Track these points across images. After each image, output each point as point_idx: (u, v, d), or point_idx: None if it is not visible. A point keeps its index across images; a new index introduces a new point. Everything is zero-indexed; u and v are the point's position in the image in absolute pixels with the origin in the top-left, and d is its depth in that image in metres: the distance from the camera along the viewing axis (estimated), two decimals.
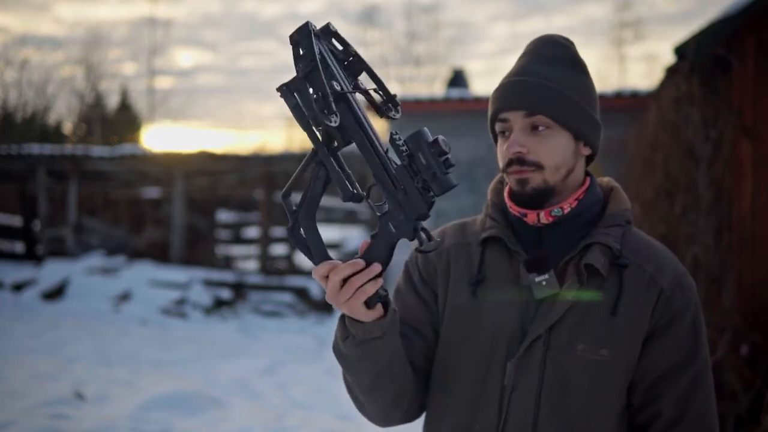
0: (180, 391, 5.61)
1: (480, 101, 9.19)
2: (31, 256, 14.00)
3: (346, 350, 1.34)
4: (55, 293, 11.03)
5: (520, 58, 1.44)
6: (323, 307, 10.70)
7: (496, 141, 1.45)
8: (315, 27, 1.19)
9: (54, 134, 26.70)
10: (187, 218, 13.29)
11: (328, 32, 1.22)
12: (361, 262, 1.21)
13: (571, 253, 1.39)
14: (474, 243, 1.49)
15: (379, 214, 1.23)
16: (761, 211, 4.47)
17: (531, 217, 1.40)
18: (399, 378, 1.39)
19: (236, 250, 15.71)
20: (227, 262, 14.61)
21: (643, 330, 1.37)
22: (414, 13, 30.43)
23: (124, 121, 29.64)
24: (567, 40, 1.45)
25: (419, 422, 1.57)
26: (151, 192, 14.85)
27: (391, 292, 1.55)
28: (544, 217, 1.39)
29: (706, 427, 1.38)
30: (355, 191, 1.19)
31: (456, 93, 9.98)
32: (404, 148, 1.20)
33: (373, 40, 28.61)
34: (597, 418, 1.36)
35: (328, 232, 14.65)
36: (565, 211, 1.40)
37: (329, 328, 9.54)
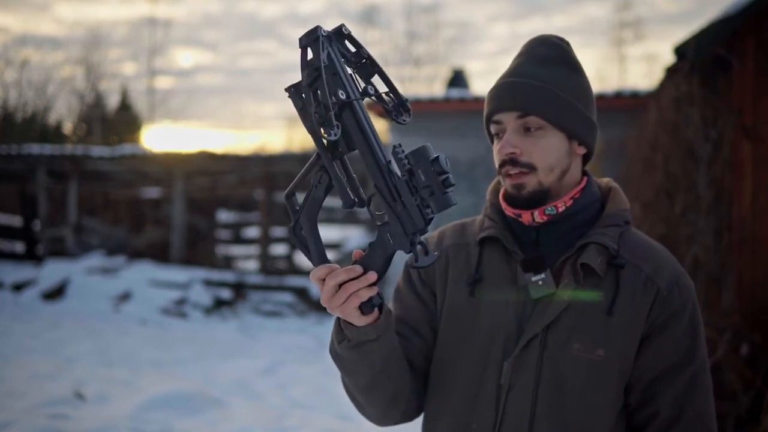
0: (180, 391, 5.62)
1: (480, 101, 9.19)
2: (31, 256, 14.00)
3: (342, 352, 1.35)
4: (55, 293, 11.03)
5: (515, 59, 1.44)
6: (323, 307, 10.69)
7: (492, 142, 1.46)
8: (325, 32, 1.17)
9: (54, 134, 26.70)
10: (187, 218, 13.30)
11: (341, 35, 1.20)
12: (359, 269, 1.21)
13: (567, 253, 1.39)
14: (472, 243, 1.50)
15: (378, 223, 1.23)
16: (761, 211, 4.47)
17: (526, 217, 1.41)
18: (396, 378, 1.40)
19: (236, 250, 15.71)
20: (227, 262, 14.61)
21: (640, 330, 1.37)
22: (414, 13, 30.48)
23: (124, 121, 29.65)
24: (561, 39, 1.45)
25: (418, 422, 1.57)
26: (151, 192, 14.85)
27: (390, 292, 1.56)
28: (538, 216, 1.40)
29: (705, 428, 1.38)
30: (356, 199, 1.19)
31: (456, 93, 9.98)
32: (405, 161, 1.18)
33: (373, 40, 28.62)
34: (594, 417, 1.36)
35: (328, 232, 14.65)
36: (559, 210, 1.40)
37: (329, 328, 9.53)
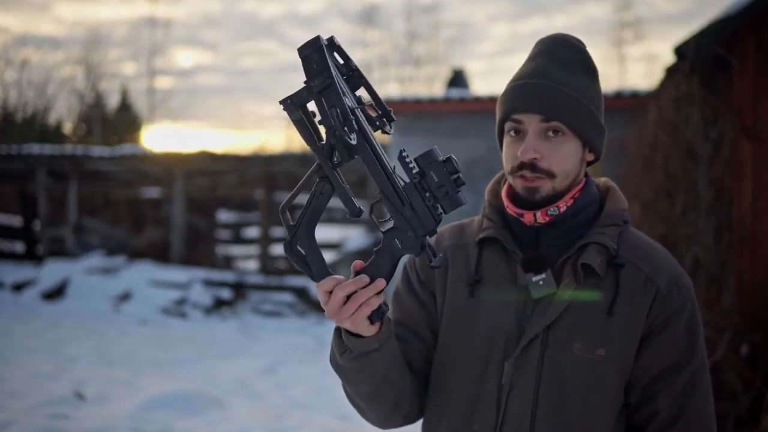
0: (180, 391, 5.62)
1: (480, 101, 9.19)
2: (31, 256, 14.00)
3: (344, 363, 1.34)
4: (55, 293, 11.03)
5: (534, 58, 1.42)
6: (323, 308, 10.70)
7: (500, 140, 1.44)
8: (325, 41, 1.18)
9: (54, 134, 26.69)
10: (187, 218, 13.30)
11: (333, 46, 1.21)
12: (366, 278, 1.21)
13: (567, 253, 1.39)
14: (471, 244, 1.49)
15: (382, 230, 1.24)
16: (761, 211, 4.47)
17: (528, 217, 1.40)
18: (398, 385, 1.40)
19: (236, 250, 15.70)
20: (227, 262, 14.60)
21: (640, 329, 1.37)
22: (414, 13, 30.47)
23: (124, 121, 29.64)
24: (580, 42, 1.44)
25: (419, 422, 1.57)
26: (151, 192, 14.85)
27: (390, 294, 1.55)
28: (540, 217, 1.39)
29: (704, 427, 1.38)
30: (361, 208, 1.19)
31: (456, 93, 9.98)
32: (413, 165, 1.21)
33: (373, 40, 28.63)
34: (594, 417, 1.36)
35: (328, 232, 14.65)
36: (561, 210, 1.40)
37: (329, 328, 9.54)
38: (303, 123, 1.18)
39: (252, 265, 14.37)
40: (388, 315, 1.34)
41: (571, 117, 1.36)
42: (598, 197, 1.47)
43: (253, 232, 15.68)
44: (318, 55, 1.14)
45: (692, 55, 4.33)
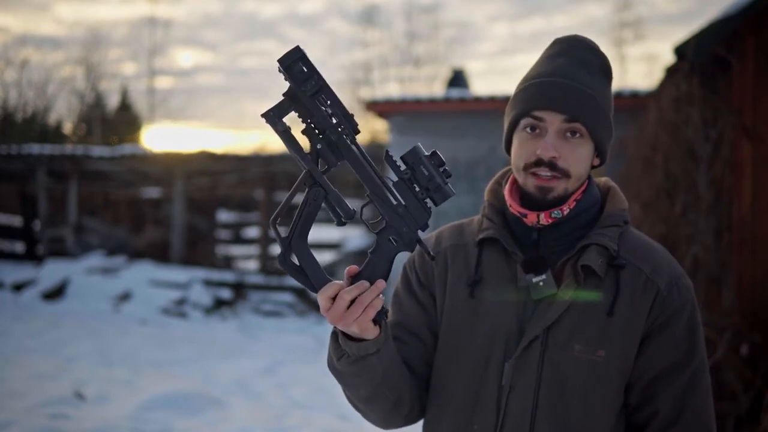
0: (180, 391, 5.62)
1: (480, 101, 9.19)
2: (31, 256, 14.00)
3: (342, 368, 1.34)
4: (55, 293, 11.03)
5: (554, 57, 1.41)
6: None
7: (510, 135, 1.43)
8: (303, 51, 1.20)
9: (54, 134, 26.69)
10: (187, 218, 13.30)
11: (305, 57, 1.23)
12: (366, 284, 1.22)
13: (568, 254, 1.39)
14: (471, 244, 1.49)
15: (375, 231, 1.25)
16: (761, 211, 4.47)
17: (531, 218, 1.40)
18: (397, 387, 1.40)
19: (236, 250, 15.70)
20: (227, 262, 14.60)
21: (640, 330, 1.37)
22: (414, 13, 30.41)
23: (124, 121, 29.64)
24: (598, 46, 1.43)
25: (419, 422, 1.57)
26: (151, 192, 14.84)
27: (390, 295, 1.55)
28: (544, 219, 1.39)
29: (704, 427, 1.38)
30: (354, 210, 1.22)
31: (456, 93, 9.98)
32: (400, 164, 1.24)
33: (373, 40, 28.60)
34: (594, 418, 1.36)
35: (327, 232, 14.65)
36: (565, 213, 1.39)
37: (329, 328, 9.53)
38: (288, 133, 1.19)
39: (252, 265, 14.37)
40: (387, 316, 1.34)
41: (592, 120, 1.36)
42: (599, 198, 1.47)
43: (253, 232, 15.68)
44: (303, 62, 1.17)
45: (692, 55, 4.33)
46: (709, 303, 4.31)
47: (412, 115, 9.48)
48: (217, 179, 13.77)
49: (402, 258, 1.33)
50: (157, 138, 34.64)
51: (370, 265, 1.24)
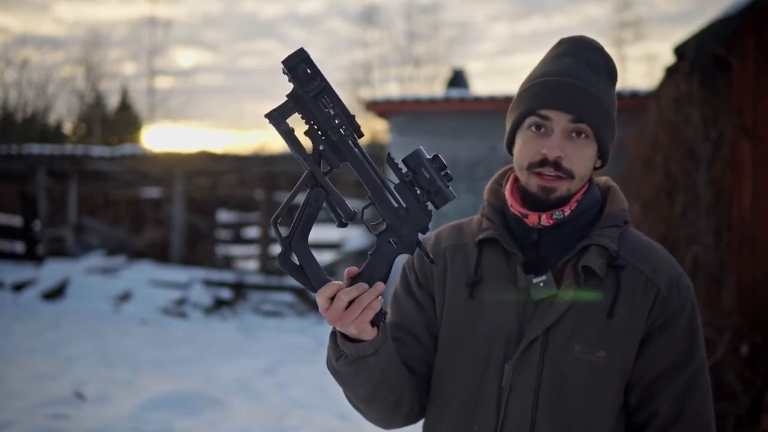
0: (180, 391, 5.62)
1: (480, 101, 9.19)
2: (31, 256, 14.00)
3: (340, 368, 1.35)
4: (55, 293, 11.03)
5: (560, 57, 1.40)
6: None
7: (513, 134, 1.42)
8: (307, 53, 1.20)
9: (54, 134, 26.68)
10: (187, 218, 13.30)
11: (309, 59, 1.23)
12: (365, 286, 1.22)
13: (568, 255, 1.39)
14: (470, 244, 1.49)
15: (375, 233, 1.26)
16: (761, 211, 4.47)
17: (532, 219, 1.40)
18: (396, 387, 1.40)
19: (236, 250, 15.70)
20: (227, 262, 14.60)
21: (640, 331, 1.37)
22: (414, 13, 30.40)
23: (124, 121, 29.63)
24: (603, 47, 1.43)
25: (419, 423, 1.57)
26: (151, 192, 14.84)
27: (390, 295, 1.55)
28: (545, 220, 1.39)
29: (704, 427, 1.38)
30: (355, 211, 1.22)
31: (456, 93, 9.98)
32: (401, 166, 1.25)
33: (373, 40, 28.59)
34: (595, 418, 1.36)
35: (328, 232, 14.65)
36: (566, 214, 1.39)
37: (329, 327, 9.51)
38: (291, 134, 1.20)
39: (252, 265, 14.37)
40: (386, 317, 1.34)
41: (598, 122, 1.36)
42: (599, 199, 1.46)
43: (253, 232, 15.68)
44: (306, 63, 1.18)
45: (692, 55, 4.33)
46: (709, 303, 4.31)
47: (412, 115, 9.48)
48: (217, 179, 13.77)
49: (402, 260, 1.33)
50: (157, 138, 34.66)
51: (369, 267, 1.25)
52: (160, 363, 7.33)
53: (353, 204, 1.24)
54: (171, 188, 13.43)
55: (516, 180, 1.45)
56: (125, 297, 10.82)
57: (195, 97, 48.18)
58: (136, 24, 42.33)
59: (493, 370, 1.39)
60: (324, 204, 1.22)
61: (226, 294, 11.27)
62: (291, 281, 11.49)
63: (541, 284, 1.36)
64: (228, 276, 11.84)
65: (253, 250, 15.03)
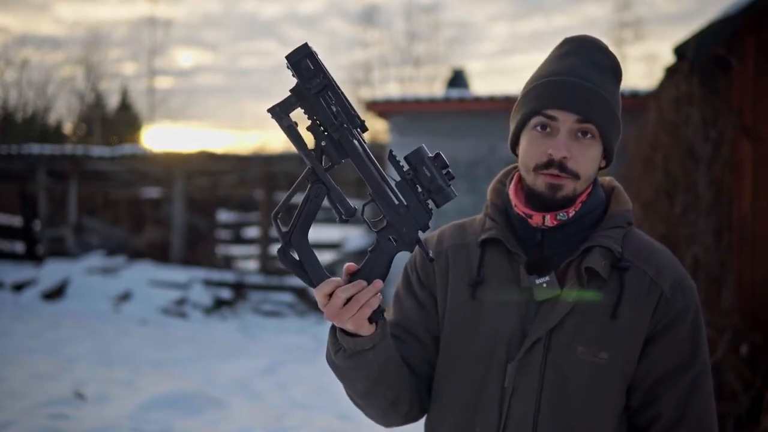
0: (180, 391, 5.61)
1: (480, 101, 9.19)
2: (31, 256, 13.99)
3: (339, 362, 1.35)
4: (55, 293, 11.03)
5: (565, 56, 1.39)
6: None
7: (518, 134, 1.41)
8: (312, 48, 1.20)
9: (54, 134, 26.68)
10: (187, 218, 13.29)
11: (314, 54, 1.23)
12: (363, 283, 1.23)
13: (571, 256, 1.39)
14: (473, 243, 1.48)
15: (375, 230, 1.25)
16: (761, 211, 4.47)
17: (536, 219, 1.39)
18: (394, 384, 1.40)
19: (236, 250, 15.70)
20: (227, 262, 14.60)
21: (643, 332, 1.36)
22: (414, 13, 30.41)
23: (124, 121, 29.63)
24: (608, 46, 1.42)
25: (421, 423, 1.57)
26: (151, 192, 14.84)
27: (391, 294, 1.55)
28: (549, 221, 1.38)
29: (707, 430, 1.38)
30: (355, 208, 1.22)
31: (456, 93, 9.98)
32: (403, 164, 1.25)
33: (373, 40, 28.60)
34: (597, 420, 1.36)
35: (327, 232, 14.65)
36: (570, 216, 1.39)
37: (329, 328, 9.53)
38: (293, 129, 1.20)
39: (252, 265, 14.37)
40: (387, 315, 1.34)
41: (604, 122, 1.35)
42: (603, 199, 1.46)
43: (253, 232, 15.67)
44: (310, 59, 1.17)
45: (692, 55, 4.33)
46: (709, 303, 4.30)
47: (412, 115, 9.48)
48: (217, 179, 13.77)
49: (401, 257, 1.33)
50: (157, 138, 34.66)
51: (369, 264, 1.25)
52: (160, 363, 7.33)
53: (354, 203, 1.23)
54: (171, 188, 13.43)
55: (520, 180, 1.44)
56: (125, 297, 10.82)
57: (195, 97, 48.19)
58: (136, 24, 42.33)
59: (495, 371, 1.39)
60: (325, 200, 1.22)
61: (226, 294, 11.27)
62: (291, 281, 11.50)
63: (544, 285, 1.36)
64: (228, 276, 11.83)
65: (253, 250, 15.02)
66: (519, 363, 1.37)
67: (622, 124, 1.41)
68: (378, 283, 1.23)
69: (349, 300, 1.22)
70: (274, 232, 13.72)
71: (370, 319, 1.26)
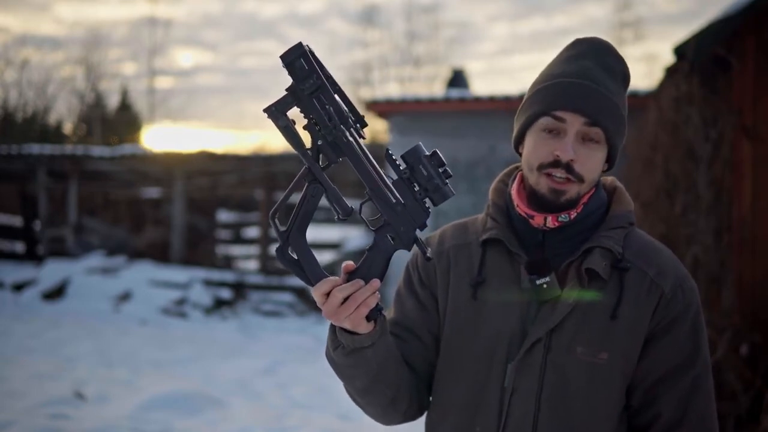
0: (180, 391, 5.62)
1: (480, 101, 9.19)
2: (32, 256, 13.99)
3: (338, 359, 1.36)
4: (55, 293, 11.03)
5: (576, 58, 1.38)
6: None
7: (523, 133, 1.41)
8: (307, 47, 1.20)
9: (54, 134, 26.68)
10: (187, 218, 13.29)
11: (311, 53, 1.23)
12: (361, 282, 1.23)
13: (572, 256, 1.39)
14: (474, 243, 1.48)
15: (373, 228, 1.25)
16: (761, 211, 4.47)
17: (538, 220, 1.39)
18: (394, 382, 1.40)
19: (236, 250, 15.70)
20: (227, 262, 14.60)
21: (644, 332, 1.36)
22: (414, 13, 30.41)
23: (124, 121, 29.62)
24: (618, 51, 1.42)
25: (421, 422, 1.57)
26: (151, 192, 14.84)
27: (391, 293, 1.55)
28: (550, 222, 1.38)
29: (707, 430, 1.38)
30: (352, 207, 1.22)
31: (456, 93, 9.98)
32: (400, 162, 1.25)
33: (373, 40, 28.59)
34: (597, 420, 1.36)
35: (327, 232, 14.65)
36: (572, 217, 1.39)
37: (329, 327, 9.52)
38: (290, 129, 1.20)
39: (252, 265, 14.37)
40: (387, 314, 1.34)
41: (612, 126, 1.35)
42: (605, 201, 1.46)
43: (253, 232, 15.67)
44: (304, 59, 1.17)
45: (692, 55, 4.33)
46: (709, 303, 4.30)
47: (412, 115, 9.48)
48: (217, 179, 13.77)
49: (401, 256, 1.33)
50: (157, 138, 34.65)
51: (366, 262, 1.25)
52: (160, 363, 7.33)
53: (353, 203, 1.23)
54: (171, 188, 13.43)
55: (522, 180, 1.44)
56: (125, 297, 10.82)
57: (195, 97, 48.19)
58: (136, 24, 42.31)
59: (495, 371, 1.39)
60: (324, 200, 1.22)
61: (226, 294, 11.27)
62: (291, 281, 11.50)
63: (545, 285, 1.36)
64: (228, 276, 11.83)
65: (253, 250, 15.03)
66: (519, 363, 1.37)
67: (626, 129, 1.41)
68: (375, 282, 1.23)
69: (346, 299, 1.22)
70: (273, 232, 13.65)
71: (368, 318, 1.26)
